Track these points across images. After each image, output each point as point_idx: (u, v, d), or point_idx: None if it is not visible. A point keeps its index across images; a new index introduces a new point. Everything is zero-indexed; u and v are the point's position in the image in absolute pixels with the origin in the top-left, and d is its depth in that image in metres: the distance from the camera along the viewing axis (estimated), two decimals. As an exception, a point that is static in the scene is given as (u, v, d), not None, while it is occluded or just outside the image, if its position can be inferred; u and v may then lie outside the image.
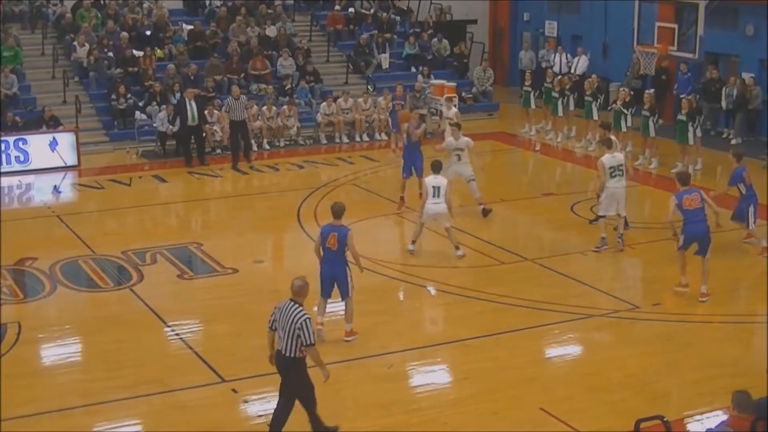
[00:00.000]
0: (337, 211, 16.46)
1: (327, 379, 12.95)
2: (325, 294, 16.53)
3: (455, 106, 29.65)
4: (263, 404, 14.37)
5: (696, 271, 18.14)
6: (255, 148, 30.12)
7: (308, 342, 12.52)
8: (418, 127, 23.69)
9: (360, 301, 18.39)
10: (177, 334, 16.91)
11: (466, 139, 23.19)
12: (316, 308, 16.41)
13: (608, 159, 20.72)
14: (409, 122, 23.94)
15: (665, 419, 11.61)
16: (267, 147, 30.47)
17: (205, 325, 17.63)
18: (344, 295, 16.48)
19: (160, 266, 20.16)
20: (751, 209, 20.75)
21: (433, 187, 20.32)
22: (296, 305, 12.71)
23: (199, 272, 20.19)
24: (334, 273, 16.30)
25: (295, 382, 12.86)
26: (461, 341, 16.63)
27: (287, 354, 12.68)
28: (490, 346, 16.35)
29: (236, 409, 14.40)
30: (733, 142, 30.44)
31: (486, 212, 23.17)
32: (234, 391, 14.79)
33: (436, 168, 20.54)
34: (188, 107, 28.30)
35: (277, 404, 13.05)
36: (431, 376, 15.42)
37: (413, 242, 20.81)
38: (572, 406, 14.35)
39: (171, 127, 28.88)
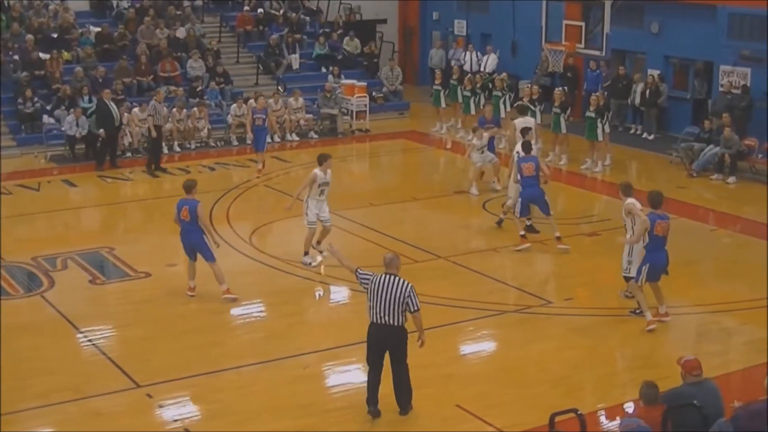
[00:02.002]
0: (187, 187, 18.35)
1: (422, 345, 13.78)
2: (192, 258, 18.37)
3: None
4: (179, 408, 14.31)
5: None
6: (165, 150, 29.95)
7: (416, 308, 13.47)
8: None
9: (274, 303, 18.47)
10: (90, 341, 16.70)
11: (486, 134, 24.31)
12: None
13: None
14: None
15: (579, 412, 11.74)
16: (178, 149, 30.23)
17: (119, 331, 17.43)
18: (209, 260, 18.13)
19: (72, 272, 19.90)
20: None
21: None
22: (396, 277, 13.58)
23: (111, 277, 19.97)
24: (192, 241, 18.18)
25: (402, 348, 13.70)
26: (377, 340, 16.67)
27: (395, 323, 13.50)
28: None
29: (152, 414, 14.27)
30: (645, 137, 31.11)
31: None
32: (149, 396, 14.66)
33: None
34: (111, 108, 28.20)
35: (372, 376, 13.95)
36: (347, 375, 15.42)
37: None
38: (489, 402, 14.46)
39: (101, 131, 28.54)
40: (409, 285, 13.48)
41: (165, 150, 29.82)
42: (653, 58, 32.13)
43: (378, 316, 13.54)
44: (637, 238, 16.70)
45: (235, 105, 31.56)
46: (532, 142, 22.41)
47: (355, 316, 18.31)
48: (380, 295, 13.46)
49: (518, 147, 21.56)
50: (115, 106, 28.52)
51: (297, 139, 31.82)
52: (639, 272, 16.75)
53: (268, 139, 28.62)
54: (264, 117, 27.56)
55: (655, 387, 11.46)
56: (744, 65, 29.22)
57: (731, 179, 26.60)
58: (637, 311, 17.23)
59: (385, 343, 13.69)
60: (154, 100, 28.39)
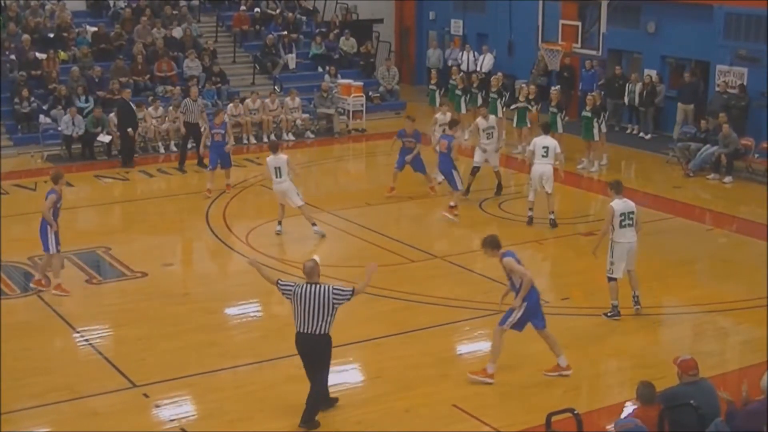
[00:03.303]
0: (53, 177, 18.70)
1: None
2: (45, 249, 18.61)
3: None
4: (175, 408, 14.31)
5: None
6: (162, 150, 29.98)
7: (349, 293, 13.38)
8: None
9: (270, 303, 18.43)
10: (86, 340, 16.70)
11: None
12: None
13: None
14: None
15: (576, 412, 11.74)
16: (174, 149, 30.19)
17: (115, 330, 17.44)
18: (44, 250, 18.58)
19: (68, 271, 19.81)
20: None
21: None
22: (317, 285, 13.34)
23: (107, 276, 19.96)
24: (40, 229, 18.55)
25: (326, 356, 13.61)
26: (372, 340, 16.67)
27: (319, 332, 13.31)
28: (401, 344, 16.39)
29: (148, 414, 14.26)
30: (641, 136, 31.14)
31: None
32: (145, 395, 14.65)
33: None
34: (133, 107, 28.71)
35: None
36: (343, 375, 15.36)
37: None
38: (484, 401, 14.47)
39: (129, 130, 28.63)
40: (330, 286, 13.32)
41: (162, 149, 29.84)
42: (649, 58, 32.13)
43: (302, 325, 13.38)
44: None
45: (231, 105, 31.52)
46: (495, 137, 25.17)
47: (350, 316, 18.25)
48: (304, 304, 13.27)
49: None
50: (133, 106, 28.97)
51: (293, 139, 31.83)
52: (507, 316, 15.28)
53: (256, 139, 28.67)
54: (223, 132, 25.71)
55: (652, 387, 11.47)
56: (741, 65, 29.23)
57: (728, 179, 26.59)
58: (609, 314, 17.34)
59: (310, 353, 13.53)
60: (188, 97, 28.73)
